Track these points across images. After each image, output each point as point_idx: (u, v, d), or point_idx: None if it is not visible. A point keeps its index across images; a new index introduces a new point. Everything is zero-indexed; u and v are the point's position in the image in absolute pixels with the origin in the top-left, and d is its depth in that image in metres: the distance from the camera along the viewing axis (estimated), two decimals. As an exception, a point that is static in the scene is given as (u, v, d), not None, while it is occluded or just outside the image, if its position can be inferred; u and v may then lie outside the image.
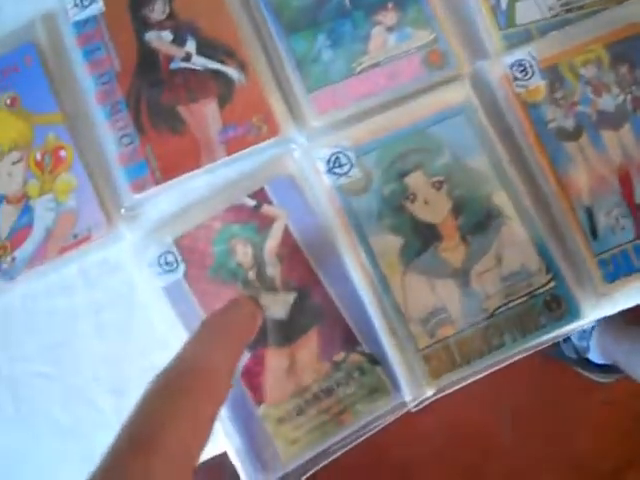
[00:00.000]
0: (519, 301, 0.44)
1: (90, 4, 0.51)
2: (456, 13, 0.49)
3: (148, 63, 0.49)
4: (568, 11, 0.47)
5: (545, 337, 0.44)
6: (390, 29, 0.49)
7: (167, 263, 0.45)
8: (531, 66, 0.46)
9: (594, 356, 1.03)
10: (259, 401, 0.44)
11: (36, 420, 0.46)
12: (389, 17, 0.49)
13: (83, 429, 0.46)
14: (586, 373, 1.09)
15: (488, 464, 1.15)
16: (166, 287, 0.45)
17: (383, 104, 0.48)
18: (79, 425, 0.46)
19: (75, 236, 0.48)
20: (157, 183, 0.46)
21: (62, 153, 0.50)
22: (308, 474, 0.44)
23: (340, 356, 0.45)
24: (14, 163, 0.50)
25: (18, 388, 0.47)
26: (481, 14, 0.48)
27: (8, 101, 0.51)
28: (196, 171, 0.46)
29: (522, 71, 0.46)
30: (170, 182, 0.46)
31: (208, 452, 0.46)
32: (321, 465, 0.44)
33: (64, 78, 0.51)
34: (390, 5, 0.49)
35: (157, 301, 0.45)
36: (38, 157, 0.50)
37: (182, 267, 0.45)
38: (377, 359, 0.45)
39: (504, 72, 0.46)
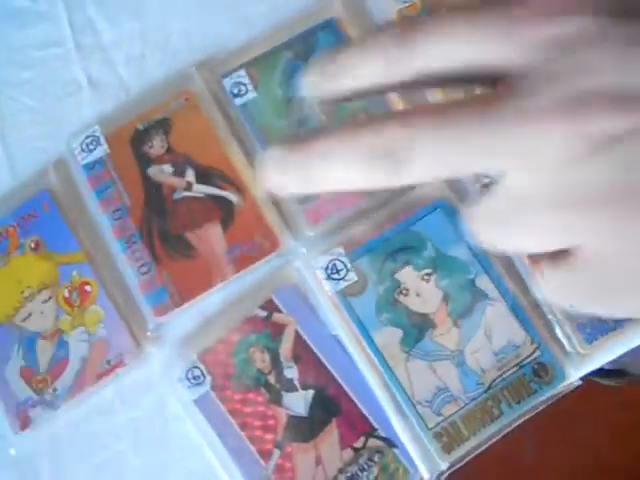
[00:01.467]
0: (511, 372, 0.49)
1: (95, 147, 0.57)
2: None
3: (154, 195, 0.55)
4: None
5: (538, 400, 0.49)
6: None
7: (194, 377, 0.50)
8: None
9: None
10: (294, 496, 0.49)
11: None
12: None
13: None
14: (596, 379, 1.12)
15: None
16: (196, 400, 0.50)
17: (368, 205, 0.54)
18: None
19: (109, 362, 0.53)
20: (177, 306, 0.52)
21: (87, 288, 0.55)
22: None
23: (360, 442, 0.50)
24: (44, 302, 0.56)
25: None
26: None
27: (32, 245, 0.57)
28: (210, 290, 0.52)
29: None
30: (188, 304, 0.51)
31: None
32: None
33: (80, 218, 0.57)
34: (362, 117, 0.56)
35: (189, 412, 0.50)
36: (66, 294, 0.56)
37: (208, 379, 0.51)
38: (394, 442, 0.50)
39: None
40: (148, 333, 0.52)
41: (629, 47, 0.22)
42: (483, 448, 0.49)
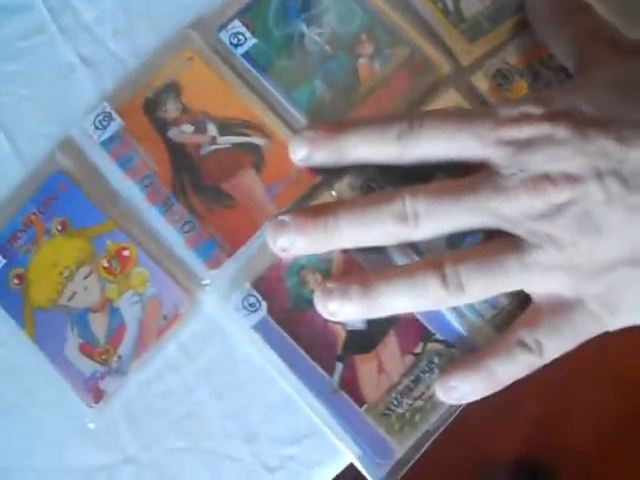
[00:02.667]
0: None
1: (109, 123, 0.58)
2: (418, 24, 0.57)
3: (180, 156, 0.56)
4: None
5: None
6: (372, 57, 0.57)
7: (250, 305, 0.52)
8: (509, 71, 0.55)
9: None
10: (361, 403, 0.51)
11: (189, 491, 0.52)
12: (366, 47, 0.57)
13: (232, 484, 0.52)
14: None
15: (538, 398, 1.21)
16: (255, 326, 0.52)
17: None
18: (228, 481, 0.52)
19: (165, 317, 0.54)
20: (229, 255, 0.53)
21: (125, 253, 0.56)
22: (418, 455, 0.50)
23: (420, 347, 0.52)
24: (86, 278, 0.56)
25: (162, 469, 0.52)
26: (435, 19, 0.57)
27: (59, 227, 0.57)
28: (258, 232, 0.53)
29: (503, 77, 0.55)
30: (239, 251, 0.53)
31: (334, 469, 0.52)
32: (427, 444, 0.51)
33: (102, 191, 0.57)
34: (363, 37, 0.58)
35: (251, 341, 0.52)
36: (105, 264, 0.56)
37: (264, 305, 0.52)
38: (451, 343, 0.52)
39: (490, 84, 0.54)
40: (205, 286, 0.53)
41: (560, 147, 0.39)
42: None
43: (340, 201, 0.48)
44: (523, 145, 0.39)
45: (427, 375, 0.51)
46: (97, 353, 0.54)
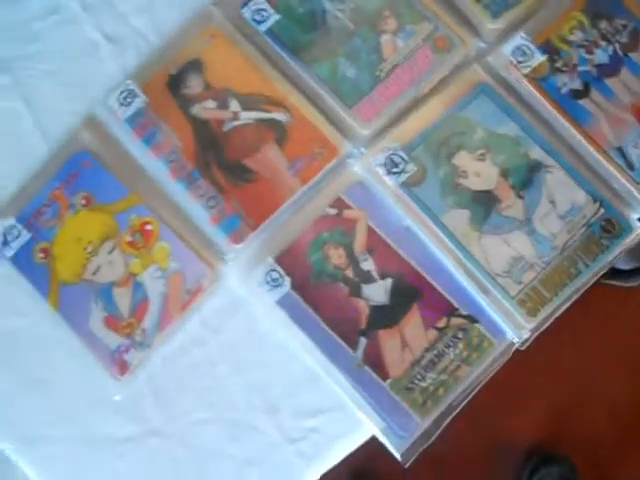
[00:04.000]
0: (580, 232, 0.52)
1: (134, 100, 0.58)
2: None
3: (204, 132, 0.56)
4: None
5: (611, 256, 0.52)
6: (395, 33, 0.57)
7: (273, 279, 0.52)
8: (528, 48, 0.54)
9: (620, 264, 1.11)
10: (385, 377, 0.51)
11: (214, 462, 0.53)
12: (390, 23, 0.57)
13: (256, 453, 0.52)
14: (616, 282, 1.17)
15: (555, 386, 1.21)
16: (278, 301, 0.52)
17: (414, 98, 0.56)
18: (251, 451, 0.52)
19: (189, 292, 0.54)
20: (253, 229, 0.53)
21: (148, 227, 0.56)
22: (441, 428, 0.51)
23: (443, 322, 0.52)
24: (110, 252, 0.57)
25: (188, 440, 0.53)
26: None
27: (83, 202, 0.58)
28: (281, 207, 0.53)
29: (522, 54, 0.54)
30: (263, 225, 0.53)
31: (356, 441, 0.53)
32: (450, 417, 0.51)
33: (126, 166, 0.57)
34: (386, 13, 0.57)
35: (276, 317, 0.52)
36: (129, 238, 0.56)
37: (287, 280, 0.52)
38: (475, 318, 0.52)
39: (508, 60, 0.54)
40: (225, 258, 0.53)
41: None
42: (564, 308, 0.52)
43: None
44: None
45: (451, 349, 0.51)
46: (121, 326, 0.55)
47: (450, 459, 1.20)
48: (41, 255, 0.57)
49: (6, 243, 0.57)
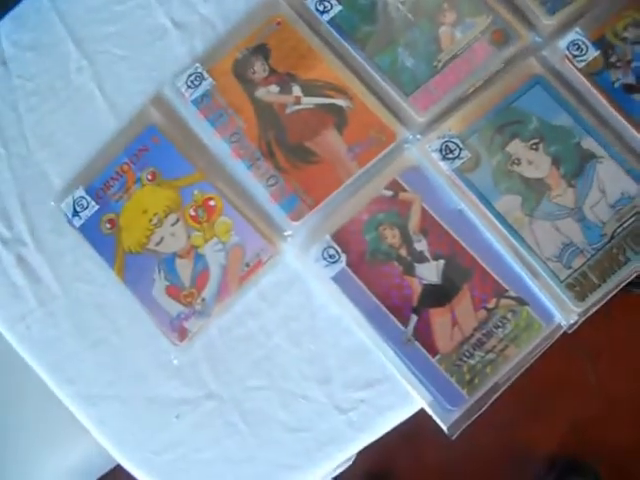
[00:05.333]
0: (630, 221, 0.54)
1: (201, 83, 0.61)
2: None
3: (267, 115, 0.59)
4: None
5: (660, 244, 0.53)
6: (453, 25, 0.59)
7: (330, 256, 0.55)
8: (583, 43, 0.56)
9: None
10: (434, 353, 0.53)
11: (267, 427, 0.55)
12: (448, 16, 0.59)
13: (307, 422, 0.55)
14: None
15: (578, 408, 1.22)
16: (334, 277, 0.55)
17: (470, 88, 0.58)
18: (303, 419, 0.55)
19: (248, 265, 0.57)
20: (311, 209, 0.56)
21: (211, 203, 0.59)
22: (486, 406, 0.52)
23: (493, 303, 0.54)
24: (173, 225, 0.60)
25: (242, 405, 0.56)
26: None
27: (149, 176, 0.61)
28: (339, 189, 0.56)
29: (577, 49, 0.56)
30: (321, 204, 0.56)
31: (404, 413, 0.55)
32: (495, 396, 0.52)
33: (192, 144, 0.60)
34: (445, 5, 0.60)
35: (330, 292, 0.55)
36: (192, 212, 0.60)
37: (343, 257, 0.55)
38: (525, 300, 0.54)
39: (563, 54, 0.56)
40: (285, 234, 0.56)
41: None
42: (611, 295, 0.53)
43: None
44: None
45: (499, 330, 0.53)
46: (182, 295, 0.58)
47: (471, 464, 1.21)
48: (108, 226, 0.60)
49: (76, 214, 0.61)
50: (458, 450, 1.28)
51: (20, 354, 0.60)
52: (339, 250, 0.55)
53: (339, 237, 0.55)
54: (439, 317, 0.53)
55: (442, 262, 0.54)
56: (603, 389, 1.24)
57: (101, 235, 0.60)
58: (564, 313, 0.53)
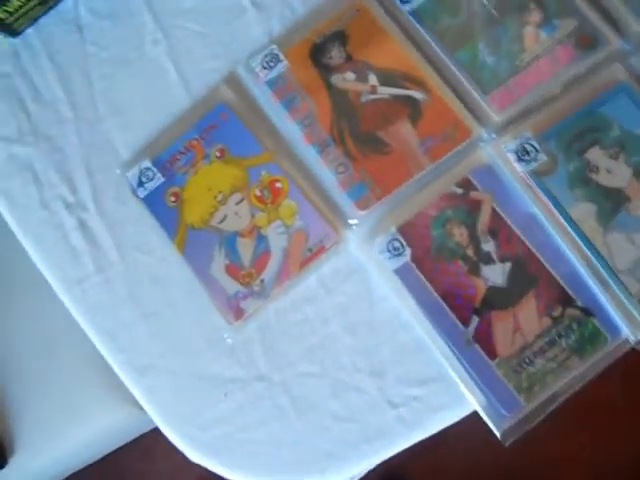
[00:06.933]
0: None
1: (276, 64, 0.61)
2: None
3: (341, 102, 0.59)
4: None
5: None
6: (539, 25, 0.58)
7: (395, 248, 0.54)
8: None
9: None
10: (493, 357, 0.52)
11: (315, 413, 0.55)
12: (534, 16, 0.58)
13: (356, 413, 0.54)
14: None
15: (606, 431, 1.19)
16: (397, 269, 0.54)
17: (551, 91, 0.56)
18: (352, 410, 0.54)
19: (310, 250, 0.57)
20: (378, 199, 0.55)
21: (278, 185, 0.59)
22: (543, 415, 0.51)
23: (558, 311, 0.53)
24: (237, 203, 0.60)
25: (292, 390, 0.55)
26: None
27: (218, 153, 0.61)
28: (409, 181, 0.55)
29: None
30: (389, 195, 0.55)
31: (457, 414, 0.54)
32: (554, 406, 0.51)
33: (262, 125, 0.60)
34: (532, 5, 0.58)
35: (392, 283, 0.54)
36: (258, 193, 0.59)
37: (408, 251, 0.54)
38: (591, 311, 0.52)
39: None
40: (352, 225, 0.55)
41: None
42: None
43: None
44: None
45: (563, 339, 0.52)
46: (241, 275, 0.58)
47: (494, 472, 1.19)
48: (172, 199, 0.60)
49: (141, 184, 0.61)
50: (482, 457, 1.26)
51: (74, 317, 0.60)
52: (404, 243, 0.54)
53: (405, 230, 0.54)
54: (501, 321, 0.52)
55: (509, 265, 0.53)
56: (630, 416, 1.21)
57: (165, 207, 0.60)
58: (632, 328, 0.51)
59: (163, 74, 0.64)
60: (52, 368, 0.83)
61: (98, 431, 0.83)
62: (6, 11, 0.62)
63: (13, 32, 0.67)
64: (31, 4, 0.64)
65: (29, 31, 0.67)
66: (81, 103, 0.65)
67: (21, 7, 0.63)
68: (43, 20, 0.67)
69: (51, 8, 0.67)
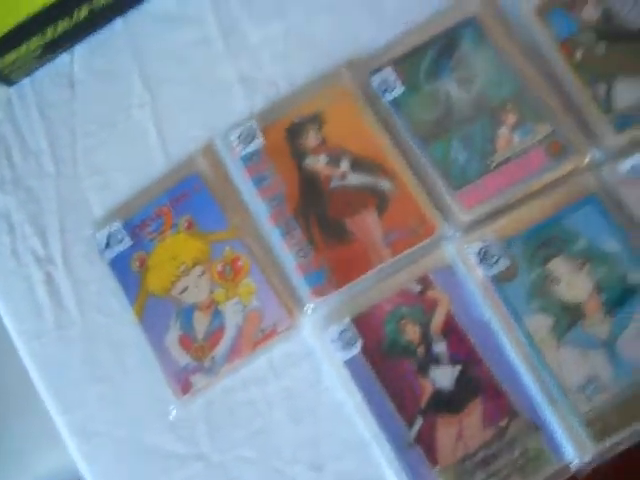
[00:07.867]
0: (665, 366, 0.50)
1: (252, 140, 0.61)
2: (566, 103, 0.57)
3: (310, 184, 0.59)
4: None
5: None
6: (513, 127, 0.58)
7: (347, 339, 0.53)
8: None
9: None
10: (434, 463, 0.51)
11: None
12: (510, 117, 0.58)
13: (288, 506, 0.53)
14: None
15: None
16: (347, 361, 0.53)
17: (520, 195, 0.56)
18: (285, 502, 0.53)
19: (262, 331, 0.57)
20: (335, 288, 0.55)
21: (239, 263, 0.59)
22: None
23: (504, 422, 0.51)
24: (199, 276, 0.60)
25: (230, 473, 0.54)
26: (585, 101, 0.57)
27: (185, 224, 0.61)
28: (368, 273, 0.55)
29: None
30: (347, 285, 0.55)
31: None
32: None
33: (231, 200, 0.61)
34: (509, 106, 0.58)
35: (340, 374, 0.53)
36: (219, 268, 0.59)
37: (359, 342, 0.54)
38: (538, 427, 0.51)
39: (623, 177, 0.54)
40: (307, 310, 0.55)
41: None
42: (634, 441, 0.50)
43: None
44: None
45: (506, 455, 0.50)
46: (194, 348, 0.58)
47: None
48: (137, 264, 0.61)
49: (108, 245, 0.61)
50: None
51: (28, 369, 0.60)
52: (357, 335, 0.53)
53: (359, 321, 0.54)
54: (445, 426, 0.51)
55: (458, 368, 0.52)
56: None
57: (129, 272, 0.61)
58: (579, 450, 0.50)
59: (145, 137, 0.65)
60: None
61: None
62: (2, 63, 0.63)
63: (9, 82, 0.68)
64: (28, 58, 0.65)
65: (25, 81, 0.68)
66: (63, 158, 0.66)
67: (18, 59, 0.65)
68: (39, 72, 0.68)
69: (48, 61, 0.69)
